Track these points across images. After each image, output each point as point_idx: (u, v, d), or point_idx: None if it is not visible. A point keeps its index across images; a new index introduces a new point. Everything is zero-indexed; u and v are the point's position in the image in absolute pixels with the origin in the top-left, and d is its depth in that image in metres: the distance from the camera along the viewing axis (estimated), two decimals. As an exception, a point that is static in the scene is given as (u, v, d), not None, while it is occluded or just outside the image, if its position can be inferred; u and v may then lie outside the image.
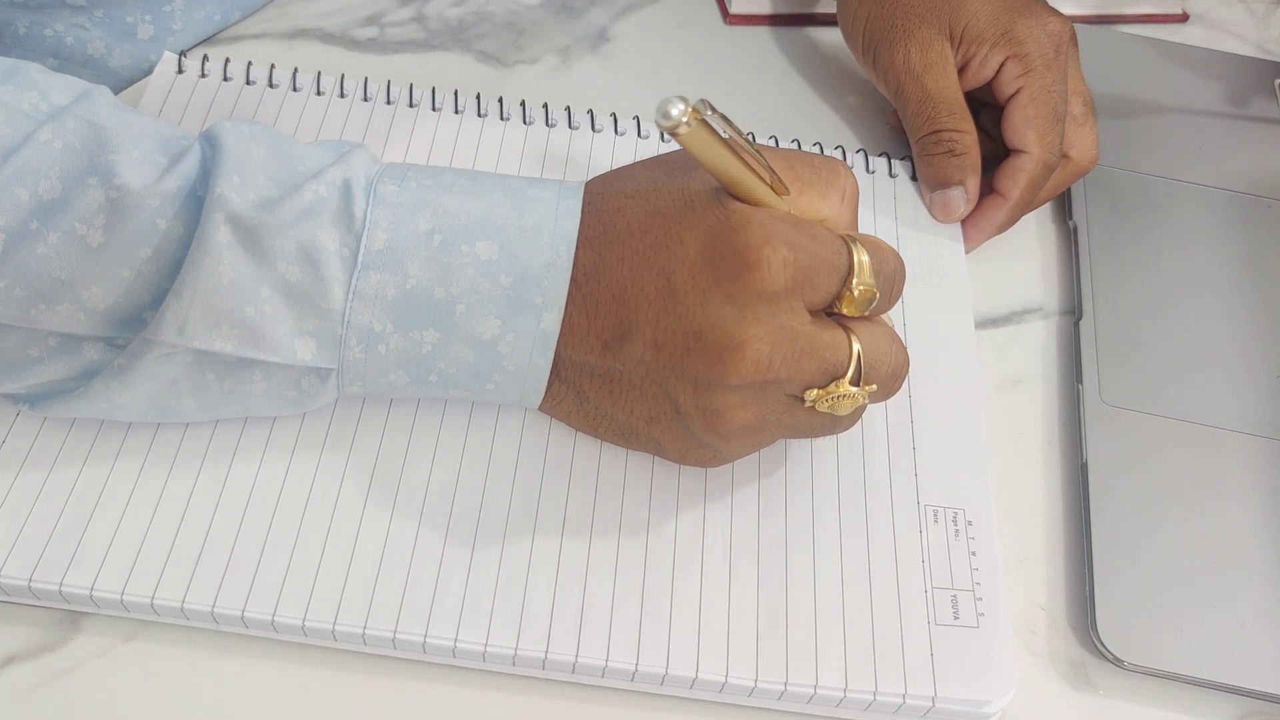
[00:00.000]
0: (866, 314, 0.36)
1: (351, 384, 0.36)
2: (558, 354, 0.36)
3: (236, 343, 0.33)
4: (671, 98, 0.31)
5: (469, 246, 0.34)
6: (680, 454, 0.38)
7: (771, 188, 0.35)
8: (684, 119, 0.31)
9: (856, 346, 0.35)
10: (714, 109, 0.32)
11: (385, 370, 0.36)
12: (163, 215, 0.33)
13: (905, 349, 0.37)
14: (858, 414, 0.38)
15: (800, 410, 0.36)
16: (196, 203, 0.33)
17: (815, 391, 0.35)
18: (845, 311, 0.36)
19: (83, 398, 0.35)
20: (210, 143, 0.35)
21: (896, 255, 0.37)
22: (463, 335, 0.35)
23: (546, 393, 0.38)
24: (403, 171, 0.36)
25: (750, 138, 0.35)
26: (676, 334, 0.35)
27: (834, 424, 0.37)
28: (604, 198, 0.37)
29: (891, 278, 0.37)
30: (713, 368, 0.34)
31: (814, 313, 0.35)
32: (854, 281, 0.35)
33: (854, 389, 0.35)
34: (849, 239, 0.36)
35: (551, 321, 0.35)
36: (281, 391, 0.36)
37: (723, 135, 0.33)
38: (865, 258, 0.35)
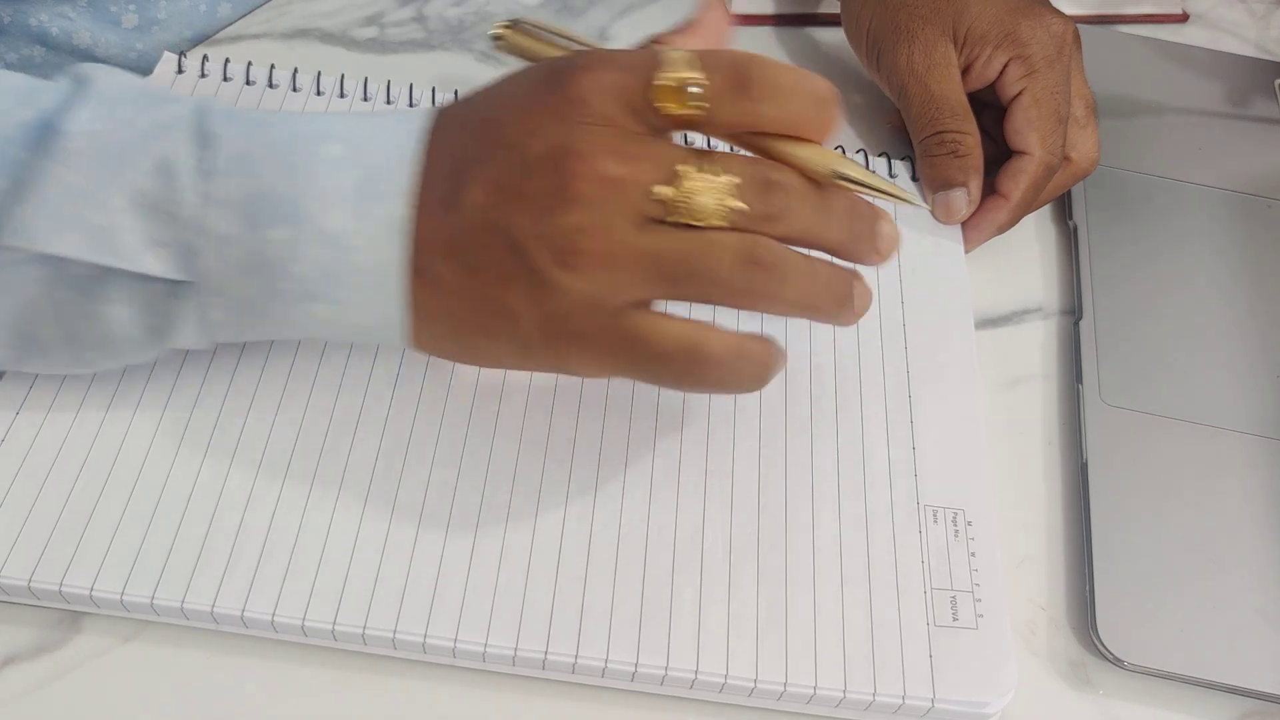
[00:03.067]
0: (706, 114, 0.34)
1: (212, 302, 0.35)
2: (413, 243, 0.35)
3: (84, 248, 0.34)
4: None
5: (319, 147, 0.35)
6: (541, 320, 0.35)
7: None
8: (497, 28, 0.40)
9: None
10: (535, 24, 0.38)
11: (240, 278, 0.35)
12: (14, 143, 0.34)
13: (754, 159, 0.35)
14: (765, 357, 0.36)
15: (662, 233, 0.34)
16: (52, 132, 0.34)
17: (667, 190, 0.33)
18: (671, 109, 0.34)
19: None
20: (76, 80, 0.36)
21: (749, 55, 0.35)
22: (313, 230, 0.34)
23: (413, 304, 0.35)
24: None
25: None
26: (513, 167, 0.34)
27: (736, 294, 0.34)
28: (453, 103, 0.37)
29: (733, 67, 0.34)
30: (549, 186, 0.33)
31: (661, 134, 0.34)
32: (658, 74, 0.33)
33: (710, 176, 0.33)
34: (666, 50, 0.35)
35: (400, 207, 0.34)
36: (143, 318, 0.36)
37: (542, 36, 0.38)
38: (677, 54, 0.34)
